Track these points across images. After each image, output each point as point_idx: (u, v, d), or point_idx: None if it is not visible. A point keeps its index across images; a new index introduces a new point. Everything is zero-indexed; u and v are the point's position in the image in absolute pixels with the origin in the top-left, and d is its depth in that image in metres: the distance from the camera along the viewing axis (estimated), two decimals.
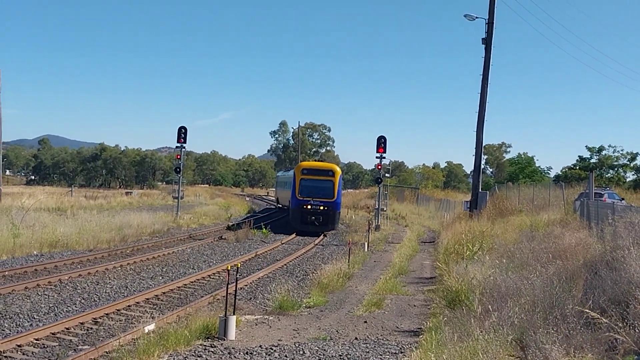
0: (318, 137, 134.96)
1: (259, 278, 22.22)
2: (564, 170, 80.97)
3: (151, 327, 13.36)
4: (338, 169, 42.91)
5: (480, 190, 38.53)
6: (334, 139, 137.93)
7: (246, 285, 20.59)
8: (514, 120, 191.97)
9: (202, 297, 17.96)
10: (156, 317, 14.76)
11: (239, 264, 15.58)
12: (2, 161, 40.88)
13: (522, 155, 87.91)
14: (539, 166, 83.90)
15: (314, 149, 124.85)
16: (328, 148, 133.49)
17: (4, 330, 13.76)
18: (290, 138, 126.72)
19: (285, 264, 26.15)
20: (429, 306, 16.85)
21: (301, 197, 40.57)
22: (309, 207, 40.16)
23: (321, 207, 40.23)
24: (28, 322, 14.60)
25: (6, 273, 20.37)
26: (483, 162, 55.22)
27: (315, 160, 43.00)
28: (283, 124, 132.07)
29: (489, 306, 11.84)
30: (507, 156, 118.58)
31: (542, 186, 45.70)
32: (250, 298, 18.54)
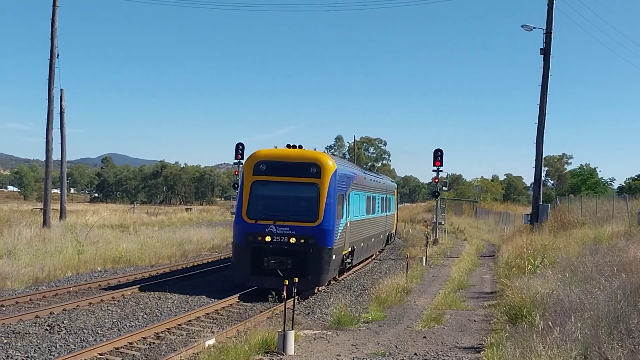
0: (374, 151, 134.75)
1: (316, 293, 22.25)
2: (627, 181, 78.87)
3: (211, 341, 13.52)
4: (331, 163, 21.93)
5: (541, 202, 37.77)
6: (390, 152, 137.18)
7: (304, 300, 20.64)
8: (575, 131, 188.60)
9: (262, 311, 18.09)
10: (216, 331, 14.93)
11: (297, 280, 15.62)
12: (67, 179, 42.00)
13: (584, 167, 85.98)
14: (602, 177, 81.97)
15: (369, 163, 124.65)
16: (384, 162, 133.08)
17: (69, 345, 14.12)
18: (347, 152, 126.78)
19: (342, 279, 26.14)
20: (490, 321, 16.60)
21: (252, 219, 21.34)
22: (268, 238, 21.07)
23: (292, 240, 20.93)
24: (92, 337, 14.95)
25: (71, 289, 20.95)
26: (543, 174, 54.20)
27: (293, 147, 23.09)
28: (339, 139, 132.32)
29: (552, 321, 11.59)
30: (569, 168, 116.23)
31: (605, 198, 44.62)
32: (309, 313, 18.58)
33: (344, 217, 22.66)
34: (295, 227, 20.83)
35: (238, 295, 20.57)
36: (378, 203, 32.42)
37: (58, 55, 35.18)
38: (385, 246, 39.16)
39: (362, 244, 27.28)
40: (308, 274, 20.42)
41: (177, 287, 22.19)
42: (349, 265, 25.93)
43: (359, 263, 29.35)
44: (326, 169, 21.34)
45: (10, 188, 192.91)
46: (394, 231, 43.02)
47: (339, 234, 21.71)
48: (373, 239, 31.12)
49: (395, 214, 42.65)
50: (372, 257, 34.26)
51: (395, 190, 43.90)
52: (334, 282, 24.37)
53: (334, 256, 21.38)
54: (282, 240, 20.79)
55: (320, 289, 22.48)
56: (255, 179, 21.65)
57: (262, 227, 20.95)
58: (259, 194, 21.68)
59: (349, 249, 24.22)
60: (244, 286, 21.58)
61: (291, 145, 22.51)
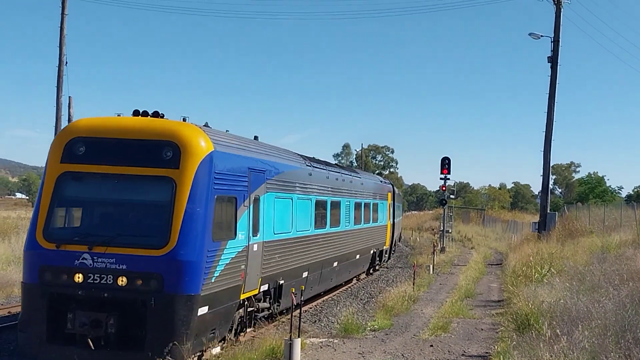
0: (381, 159, 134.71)
1: (323, 301, 22.22)
2: (635, 189, 78.69)
3: (218, 350, 13.52)
4: (203, 142, 12.65)
5: (548, 211, 37.68)
6: (397, 160, 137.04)
7: (310, 308, 20.63)
8: (583, 139, 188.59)
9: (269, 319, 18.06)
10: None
11: (303, 287, 15.64)
12: None
13: (592, 175, 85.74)
14: (610, 186, 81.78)
15: (377, 171, 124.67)
16: (391, 170, 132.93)
17: None
18: (354, 160, 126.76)
19: (349, 287, 26.09)
20: (497, 330, 16.54)
21: (51, 242, 12.24)
22: (78, 278, 11.94)
23: (120, 281, 11.87)
24: None
25: None
26: (551, 182, 54.13)
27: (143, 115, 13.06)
28: (346, 146, 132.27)
29: (559, 330, 11.55)
30: (577, 176, 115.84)
31: (613, 206, 44.47)
32: (315, 321, 18.56)
33: (246, 234, 13.93)
34: (128, 258, 11.76)
35: None
36: (350, 211, 24.13)
37: (66, 62, 35.39)
38: (371, 268, 30.67)
39: (303, 274, 18.65)
40: (146, 346, 11.53)
41: None
42: (266, 314, 16.22)
43: (304, 303, 18.64)
44: (191, 151, 12.22)
45: (19, 195, 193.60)
46: (387, 247, 33.87)
47: (222, 267, 12.80)
48: (337, 263, 22.48)
49: (389, 225, 33.86)
50: (347, 284, 26.47)
51: (390, 194, 34.92)
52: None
53: (203, 310, 12.08)
54: (102, 282, 11.78)
55: None
56: (65, 169, 12.49)
57: (69, 257, 11.91)
58: (68, 196, 12.75)
59: (262, 288, 15.33)
60: None
61: (141, 112, 13.05)
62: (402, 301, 20.42)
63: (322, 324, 18.05)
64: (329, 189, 21.49)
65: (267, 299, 16.22)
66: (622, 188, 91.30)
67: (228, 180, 13.28)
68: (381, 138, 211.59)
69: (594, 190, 77.22)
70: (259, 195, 14.83)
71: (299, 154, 19.68)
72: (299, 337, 13.37)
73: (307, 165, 19.53)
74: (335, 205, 22.29)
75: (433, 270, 30.99)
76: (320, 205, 20.38)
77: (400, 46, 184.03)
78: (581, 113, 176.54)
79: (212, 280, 12.44)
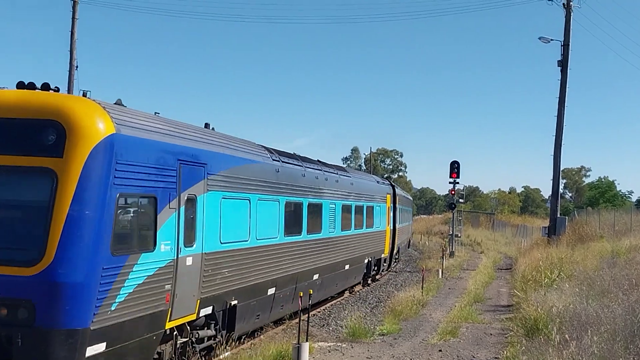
0: (390, 162, 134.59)
1: (331, 305, 22.19)
2: None
3: (227, 354, 13.52)
4: (100, 121, 9.52)
5: (558, 215, 37.51)
6: (406, 164, 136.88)
7: (319, 312, 20.62)
8: (594, 143, 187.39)
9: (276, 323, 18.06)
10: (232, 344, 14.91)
11: (311, 291, 15.63)
12: None
13: (603, 180, 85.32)
14: (620, 190, 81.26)
15: (385, 175, 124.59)
16: (400, 174, 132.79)
17: None
18: (363, 164, 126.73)
19: (358, 291, 26.06)
20: (506, 335, 16.48)
21: None
22: None
23: None
24: None
25: None
26: (561, 186, 53.96)
27: None
28: (355, 150, 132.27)
29: (568, 335, 11.50)
30: (587, 180, 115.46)
31: (624, 211, 44.28)
32: (323, 325, 18.55)
33: (173, 245, 11.10)
34: None
35: None
36: (335, 215, 21.20)
37: (77, 67, 35.52)
38: (368, 278, 28.38)
39: (269, 291, 15.55)
40: None
41: None
42: (211, 344, 13.23)
43: (273, 325, 17.33)
44: (81, 134, 9.31)
45: None
46: (386, 255, 31.04)
47: (131, 289, 9.98)
48: (319, 275, 19.51)
49: (388, 230, 30.88)
50: (338, 296, 23.99)
51: (390, 196, 31.73)
52: None
53: (96, 349, 9.32)
54: None
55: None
56: None
57: None
58: None
59: (204, 312, 12.47)
60: None
61: (27, 84, 10.11)
62: (410, 305, 20.37)
63: (330, 328, 18.03)
64: (306, 189, 18.33)
65: (213, 325, 13.01)
66: (633, 192, 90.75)
67: (141, 174, 10.27)
68: (390, 142, 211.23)
69: (604, 195, 76.83)
70: (195, 194, 11.68)
71: (264, 146, 16.33)
72: (307, 341, 13.36)
73: (275, 160, 16.22)
74: (315, 209, 19.07)
75: (442, 274, 30.92)
76: (292, 208, 17.23)
77: (409, 50, 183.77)
78: (591, 117, 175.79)
79: (113, 308, 9.47)
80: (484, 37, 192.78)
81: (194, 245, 11.70)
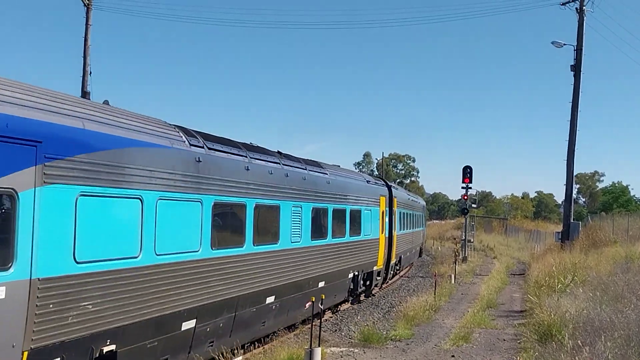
0: (402, 167, 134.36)
1: (343, 310, 22.19)
2: None
3: (239, 358, 13.54)
4: None
5: (572, 220, 37.35)
6: (419, 169, 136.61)
7: (331, 317, 20.61)
8: (607, 148, 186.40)
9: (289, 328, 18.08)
10: (244, 348, 14.95)
11: (324, 295, 15.62)
12: None
13: (616, 185, 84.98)
14: (634, 195, 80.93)
15: (398, 180, 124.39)
16: (412, 179, 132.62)
17: None
18: (375, 169, 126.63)
19: (345, 309, 26.02)
20: (519, 340, 16.39)
21: None
22: None
23: None
24: None
25: None
26: (575, 191, 53.63)
27: None
28: (367, 155, 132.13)
29: (581, 341, 11.44)
30: (600, 185, 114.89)
31: (637, 216, 44.02)
32: (336, 330, 18.54)
33: None
34: None
35: None
36: (303, 221, 17.23)
37: (91, 72, 35.73)
38: (360, 294, 25.07)
39: (184, 325, 11.70)
40: None
41: None
42: None
43: None
44: None
45: None
46: (379, 267, 26.57)
47: None
48: (275, 297, 15.64)
49: (382, 238, 26.78)
50: None
51: (384, 199, 27.47)
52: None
53: None
54: None
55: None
56: None
57: None
58: None
59: None
60: None
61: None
62: (423, 311, 20.33)
63: (343, 333, 18.02)
64: (252, 186, 14.15)
65: None
66: None
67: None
68: (402, 147, 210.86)
69: (617, 200, 76.49)
70: (11, 188, 7.86)
71: (179, 127, 12.33)
72: (319, 346, 13.36)
73: (195, 146, 12.13)
74: (268, 212, 15.13)
75: (455, 279, 30.82)
76: (225, 212, 13.27)
77: (422, 55, 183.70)
78: (605, 122, 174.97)
79: None
80: (496, 42, 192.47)
81: (10, 269, 7.78)
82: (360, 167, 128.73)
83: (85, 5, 35.82)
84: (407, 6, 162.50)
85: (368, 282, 25.16)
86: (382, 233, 26.53)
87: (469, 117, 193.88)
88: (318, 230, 18.35)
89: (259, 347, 15.29)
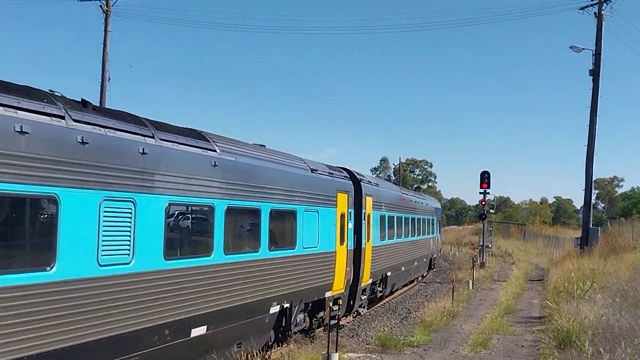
0: (419, 172, 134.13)
1: (361, 315, 22.16)
2: None
3: None
4: None
5: (591, 226, 37.06)
6: (436, 174, 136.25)
7: (348, 323, 20.59)
8: (627, 153, 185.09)
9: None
10: (260, 354, 14.96)
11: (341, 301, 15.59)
12: None
13: (636, 190, 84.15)
14: None
15: (415, 185, 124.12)
16: (430, 184, 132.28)
17: None
18: (392, 174, 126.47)
19: (387, 302, 25.97)
20: (538, 347, 16.29)
21: None
22: None
23: None
24: None
25: None
26: (594, 197, 53.25)
27: None
28: (384, 160, 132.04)
29: (601, 347, 11.35)
30: (620, 191, 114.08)
31: None
32: (353, 335, 18.52)
33: None
34: None
35: None
36: (149, 228, 10.44)
37: (109, 79, 35.99)
38: (309, 330, 17.82)
39: None
40: None
41: None
42: None
43: None
44: None
45: None
46: (340, 291, 19.14)
47: None
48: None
49: (342, 251, 19.24)
50: None
51: (347, 196, 19.81)
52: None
53: None
54: None
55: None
56: None
57: None
58: None
59: None
60: None
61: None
62: (440, 316, 20.24)
63: (360, 339, 17.99)
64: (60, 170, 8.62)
65: None
66: None
67: None
68: (419, 151, 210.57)
69: (637, 205, 75.65)
70: None
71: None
72: (336, 351, 13.36)
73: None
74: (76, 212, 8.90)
75: (472, 285, 30.68)
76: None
77: (440, 60, 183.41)
78: (624, 127, 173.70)
79: None
80: (515, 46, 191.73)
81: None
82: (377, 172, 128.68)
83: (104, 12, 36.16)
84: (423, 11, 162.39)
85: (313, 314, 17.93)
86: (344, 244, 19.19)
87: (487, 122, 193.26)
88: (185, 243, 11.90)
89: (276, 351, 15.30)
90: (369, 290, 23.23)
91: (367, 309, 23.66)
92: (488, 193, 43.76)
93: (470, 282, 31.06)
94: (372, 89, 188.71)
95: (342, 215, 19.24)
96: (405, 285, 31.76)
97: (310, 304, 17.37)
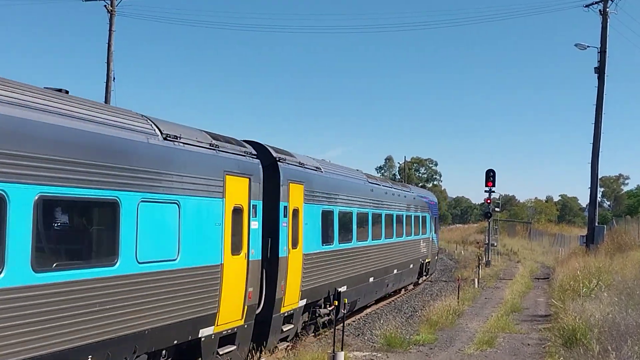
0: (425, 171, 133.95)
1: (366, 314, 22.16)
2: None
3: None
4: None
5: (596, 224, 37.00)
6: (441, 173, 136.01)
7: (354, 322, 20.59)
8: (632, 150, 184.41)
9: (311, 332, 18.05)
10: (266, 353, 14.96)
11: (346, 300, 15.60)
12: None
13: None
14: None
15: (420, 184, 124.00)
16: (435, 183, 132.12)
17: None
18: (397, 173, 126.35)
19: (393, 300, 25.95)
20: (544, 345, 16.26)
21: None
22: None
23: None
24: None
25: None
26: (599, 195, 53.14)
27: None
28: (389, 159, 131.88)
29: (608, 345, 11.32)
30: (625, 189, 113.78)
31: None
32: (358, 334, 18.51)
33: None
34: None
35: None
36: None
37: (114, 78, 36.00)
38: None
39: None
40: None
41: None
42: None
43: None
44: None
45: None
46: (238, 323, 12.80)
47: None
48: None
49: (240, 264, 12.88)
50: None
51: (241, 182, 13.08)
52: None
53: None
54: None
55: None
56: None
57: None
58: None
59: None
60: None
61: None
62: (446, 315, 20.21)
63: (365, 338, 17.99)
64: None
65: None
66: None
67: None
68: (425, 150, 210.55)
69: None
70: None
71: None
72: (342, 350, 13.35)
73: None
74: None
75: (478, 284, 30.64)
76: None
77: (444, 58, 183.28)
78: (630, 124, 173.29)
79: None
80: (520, 44, 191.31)
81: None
82: (383, 170, 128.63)
83: (108, 12, 36.20)
84: (429, 10, 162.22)
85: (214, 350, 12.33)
86: (239, 252, 12.93)
87: (492, 120, 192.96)
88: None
89: (281, 350, 15.30)
90: (307, 315, 17.33)
91: (315, 335, 17.92)
92: (493, 191, 43.68)
93: (476, 280, 31.02)
94: (377, 89, 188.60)
95: (238, 210, 12.90)
96: (384, 298, 26.01)
97: (165, 352, 10.83)
